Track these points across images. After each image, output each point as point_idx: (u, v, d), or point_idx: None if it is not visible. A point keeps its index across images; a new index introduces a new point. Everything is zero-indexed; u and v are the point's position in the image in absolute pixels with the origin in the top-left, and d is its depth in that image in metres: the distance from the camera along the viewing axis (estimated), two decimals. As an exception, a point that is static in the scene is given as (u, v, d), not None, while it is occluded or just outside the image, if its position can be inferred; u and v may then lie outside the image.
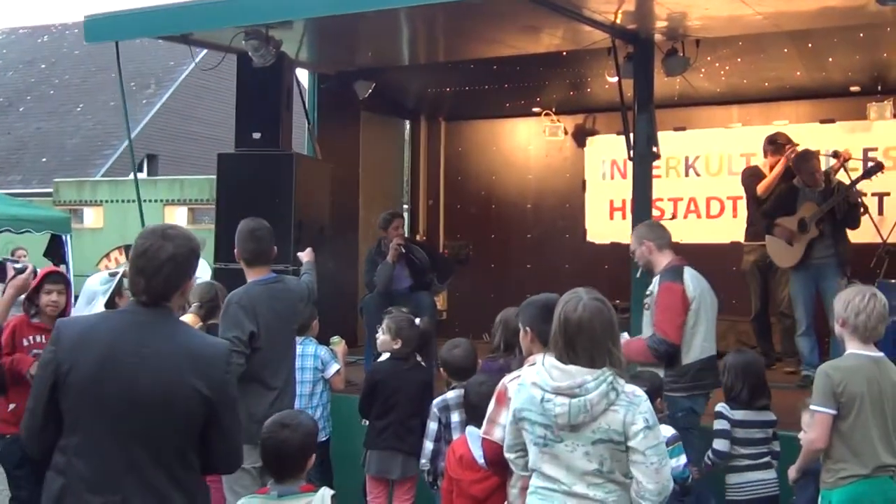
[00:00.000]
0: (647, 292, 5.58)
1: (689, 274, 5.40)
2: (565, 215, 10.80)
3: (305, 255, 5.88)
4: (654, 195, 8.16)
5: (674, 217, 9.71)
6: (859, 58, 8.50)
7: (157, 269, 2.81)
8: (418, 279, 8.19)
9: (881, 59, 8.52)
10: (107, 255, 15.77)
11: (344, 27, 7.94)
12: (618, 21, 7.35)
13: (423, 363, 5.72)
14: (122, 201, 16.11)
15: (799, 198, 7.57)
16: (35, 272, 4.75)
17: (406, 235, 9.65)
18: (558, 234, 10.79)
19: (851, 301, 4.12)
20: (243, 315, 4.79)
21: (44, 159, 25.37)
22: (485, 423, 3.82)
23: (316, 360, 6.04)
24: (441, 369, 5.24)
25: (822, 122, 9.43)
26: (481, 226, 11.23)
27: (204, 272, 10.80)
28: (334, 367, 6.09)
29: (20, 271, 4.45)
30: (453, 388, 5.08)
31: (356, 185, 10.16)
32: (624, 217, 10.36)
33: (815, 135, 9.25)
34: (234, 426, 2.92)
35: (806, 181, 7.57)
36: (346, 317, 9.36)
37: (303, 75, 9.82)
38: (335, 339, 6.38)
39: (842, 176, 7.76)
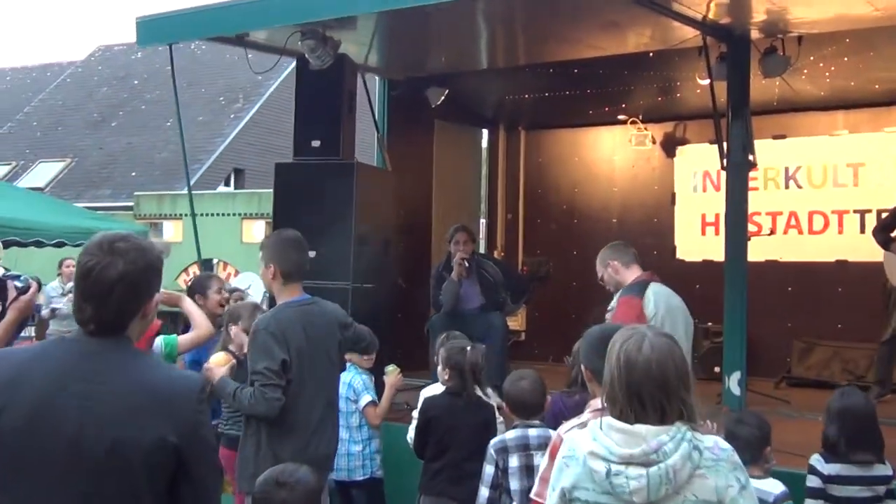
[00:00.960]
0: (609, 308, 5.29)
1: (654, 289, 5.13)
2: (653, 231, 10.07)
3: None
4: (751, 209, 7.38)
5: (772, 233, 8.90)
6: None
7: (105, 292, 2.26)
8: (490, 298, 7.60)
9: None
10: (185, 270, 15.54)
11: (413, 27, 7.45)
12: (710, 16, 6.65)
13: (485, 398, 5.07)
14: (204, 215, 15.88)
15: None
16: (40, 288, 4.27)
17: (479, 251, 9.10)
18: (646, 250, 9.88)
19: None
20: (273, 342, 4.23)
21: (133, 173, 25.58)
22: (536, 482, 3.17)
23: (348, 390, 5.47)
24: (505, 405, 4.60)
25: (943, 126, 8.52)
26: (563, 241, 10.58)
27: (256, 287, 10.49)
28: (365, 398, 5.50)
29: (23, 290, 3.85)
30: (515, 427, 4.44)
31: (429, 198, 9.63)
32: (717, 233, 9.62)
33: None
34: (209, 479, 2.33)
35: None
36: (418, 338, 8.80)
37: (373, 83, 9.31)
38: (390, 367, 5.77)
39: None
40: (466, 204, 10.40)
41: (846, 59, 7.72)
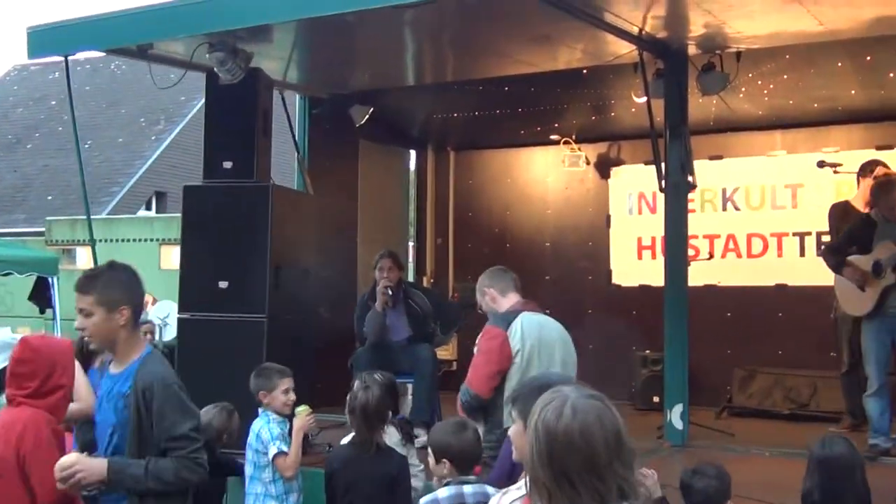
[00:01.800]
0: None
1: (525, 321, 4.67)
2: (588, 254, 9.71)
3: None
4: (688, 232, 7.06)
5: (711, 257, 8.57)
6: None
7: None
8: (418, 329, 7.11)
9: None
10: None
11: (335, 40, 7.00)
12: (646, 29, 6.35)
13: (391, 448, 4.51)
14: (118, 240, 15.18)
15: (877, 234, 6.39)
16: None
17: (408, 278, 8.65)
18: (580, 275, 9.68)
19: None
20: (188, 398, 3.48)
21: (49, 197, 24.59)
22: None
23: (256, 441, 4.85)
24: (432, 459, 3.95)
25: (879, 147, 8.27)
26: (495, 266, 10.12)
27: (173, 313, 9.84)
28: (272, 449, 4.80)
29: None
30: (448, 484, 3.91)
31: (354, 223, 9.15)
32: (654, 257, 9.32)
33: (872, 163, 8.22)
34: None
35: (886, 215, 6.41)
36: (342, 371, 8.26)
37: (292, 101, 8.81)
38: (301, 408, 5.04)
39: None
40: (394, 228, 9.93)
41: (785, 76, 7.46)
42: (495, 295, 4.89)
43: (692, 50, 6.83)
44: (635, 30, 6.31)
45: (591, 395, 2.04)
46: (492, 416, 4.55)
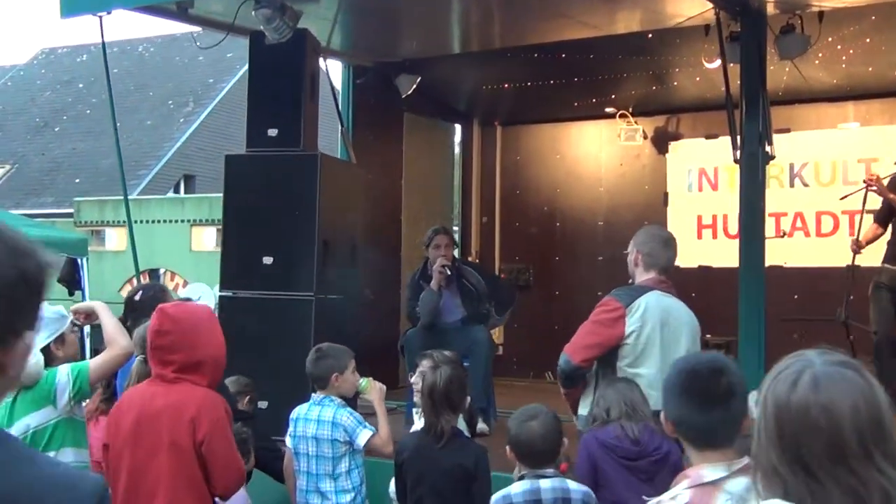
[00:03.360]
0: None
1: (652, 300, 4.22)
2: (643, 234, 9.19)
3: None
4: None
5: (784, 235, 8.05)
6: None
7: None
8: (473, 310, 6.67)
9: None
10: (129, 281, 14.43)
11: (382, 3, 6.52)
12: (723, -15, 5.83)
13: (468, 438, 4.05)
14: (149, 222, 14.82)
15: None
16: None
17: (457, 256, 8.22)
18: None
19: None
20: None
21: (77, 180, 24.35)
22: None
23: (336, 430, 4.40)
24: (508, 449, 3.60)
25: (963, 120, 7.75)
26: (543, 247, 9.67)
27: (207, 299, 9.47)
28: (364, 434, 4.35)
29: None
30: (522, 478, 3.48)
31: (398, 199, 8.70)
32: (715, 236, 8.83)
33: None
34: None
35: None
36: (386, 355, 7.85)
37: (336, 70, 8.38)
38: (362, 383, 4.59)
39: None
40: (439, 206, 9.47)
41: (868, 39, 6.92)
42: (640, 260, 4.40)
43: (771, 9, 6.32)
44: (711, -14, 5.82)
45: (843, 361, 1.59)
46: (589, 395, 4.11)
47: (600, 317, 4.26)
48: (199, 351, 3.33)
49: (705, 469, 2.11)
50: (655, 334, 4.16)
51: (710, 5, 6.05)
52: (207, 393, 3.33)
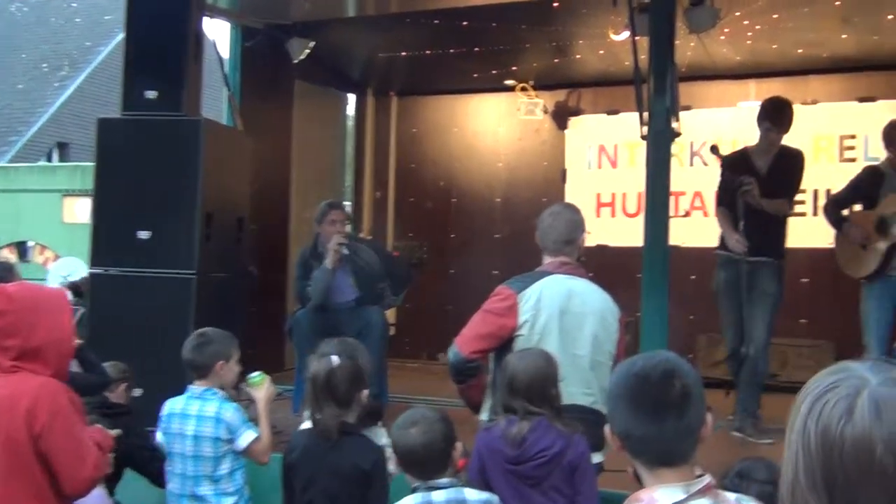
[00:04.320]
0: None
1: (549, 285, 3.90)
2: (541, 211, 8.92)
3: None
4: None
5: (687, 214, 7.92)
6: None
7: None
8: (367, 289, 6.28)
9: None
10: (-8, 254, 13.51)
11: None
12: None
13: (363, 436, 3.57)
14: (16, 191, 13.89)
15: (884, 185, 5.77)
16: None
17: (349, 232, 7.83)
18: (533, 233, 8.89)
19: None
20: None
21: (-58, 146, 22.88)
22: None
23: (218, 428, 3.95)
24: (394, 461, 3.18)
25: (862, 100, 7.71)
26: (439, 223, 9.37)
27: (80, 274, 8.84)
28: (248, 435, 3.92)
29: None
30: (416, 491, 3.08)
31: (287, 171, 8.26)
32: (613, 214, 8.67)
33: (851, 116, 7.75)
34: None
35: (894, 163, 5.78)
36: (271, 337, 7.41)
37: (224, 31, 7.84)
38: (255, 376, 4.15)
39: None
40: (329, 179, 9.07)
41: (775, 15, 6.77)
42: (540, 239, 4.21)
43: (680, -20, 6.12)
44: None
45: None
46: (493, 395, 3.77)
47: (491, 306, 3.91)
48: (38, 334, 2.92)
49: (659, 491, 1.80)
50: (553, 323, 3.78)
51: (621, -28, 5.81)
52: (46, 381, 2.93)
